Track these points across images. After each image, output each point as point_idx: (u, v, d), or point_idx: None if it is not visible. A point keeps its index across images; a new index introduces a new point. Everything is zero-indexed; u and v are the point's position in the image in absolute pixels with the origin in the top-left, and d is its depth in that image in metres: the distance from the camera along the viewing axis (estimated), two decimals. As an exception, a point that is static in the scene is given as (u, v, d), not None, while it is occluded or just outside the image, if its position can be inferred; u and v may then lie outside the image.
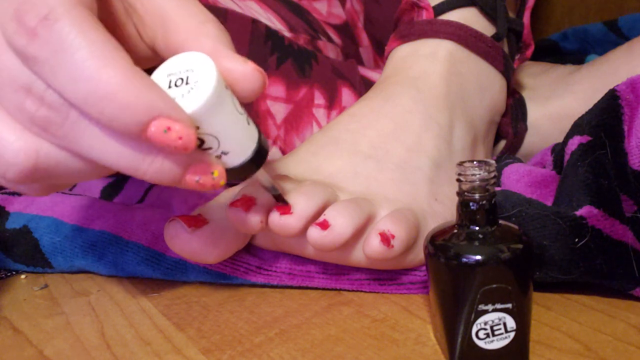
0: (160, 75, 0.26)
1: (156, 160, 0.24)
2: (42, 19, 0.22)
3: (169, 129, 0.23)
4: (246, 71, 0.26)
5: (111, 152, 0.24)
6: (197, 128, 0.25)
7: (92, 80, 0.22)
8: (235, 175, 0.28)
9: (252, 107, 0.45)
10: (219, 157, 0.26)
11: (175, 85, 0.25)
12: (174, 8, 0.27)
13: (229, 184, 0.30)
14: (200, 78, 0.25)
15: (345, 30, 0.58)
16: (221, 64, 0.26)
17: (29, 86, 0.24)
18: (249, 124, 0.27)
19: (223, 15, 0.47)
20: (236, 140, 0.26)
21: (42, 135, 0.24)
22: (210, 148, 0.26)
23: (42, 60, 0.23)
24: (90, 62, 0.22)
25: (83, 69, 0.22)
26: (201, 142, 0.25)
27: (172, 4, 0.27)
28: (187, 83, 0.25)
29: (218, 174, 0.26)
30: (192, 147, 0.24)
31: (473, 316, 0.26)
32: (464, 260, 0.26)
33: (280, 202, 0.32)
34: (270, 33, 0.48)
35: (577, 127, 0.33)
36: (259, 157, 0.28)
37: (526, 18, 0.47)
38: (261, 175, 0.30)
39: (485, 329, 0.26)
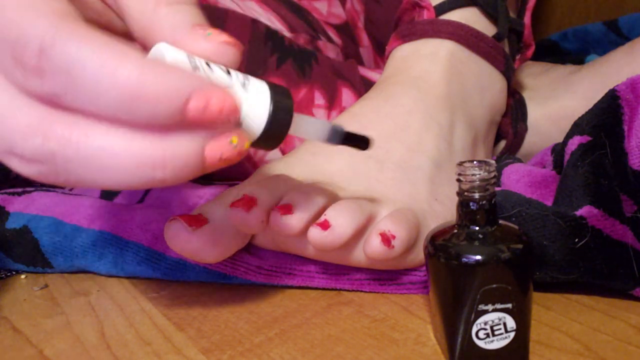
0: None
1: (167, 156, 0.22)
2: (38, 53, 0.21)
3: (207, 103, 0.22)
4: (212, 48, 0.25)
5: (112, 176, 0.23)
6: None
7: (117, 87, 0.21)
8: (270, 138, 0.25)
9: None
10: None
11: None
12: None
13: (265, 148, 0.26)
14: None
15: (346, 30, 0.58)
16: (185, 48, 0.24)
17: (10, 146, 0.23)
18: (245, 86, 0.24)
19: (223, 16, 0.47)
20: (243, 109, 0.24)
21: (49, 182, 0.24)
22: None
23: (62, 91, 0.22)
24: (106, 72, 0.21)
25: (103, 81, 0.21)
26: None
27: None
28: None
29: (237, 140, 0.23)
30: (237, 108, 0.22)
31: (473, 316, 0.26)
32: (464, 260, 0.26)
33: (359, 146, 0.28)
34: (271, 33, 0.48)
35: (577, 127, 0.33)
36: (282, 112, 0.24)
37: (527, 18, 0.47)
38: (300, 126, 0.26)
39: (485, 329, 0.26)
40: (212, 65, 0.24)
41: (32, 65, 0.22)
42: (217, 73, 0.24)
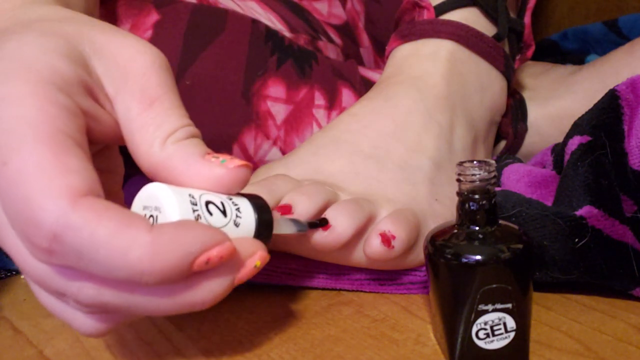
0: (137, 208, 0.26)
1: (206, 299, 0.25)
2: (51, 240, 0.22)
3: (209, 260, 0.24)
4: (228, 174, 0.26)
5: (165, 312, 0.25)
6: None
7: (124, 268, 0.22)
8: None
9: (253, 109, 0.45)
10: None
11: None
12: (137, 119, 0.26)
13: None
14: (165, 218, 0.25)
15: (346, 30, 0.58)
16: (200, 176, 0.26)
17: (63, 294, 0.24)
18: (236, 224, 0.26)
19: (223, 16, 0.47)
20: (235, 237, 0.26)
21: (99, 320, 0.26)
22: None
23: (72, 267, 0.23)
24: (114, 255, 0.22)
25: (111, 264, 0.22)
26: None
27: (135, 114, 0.26)
28: (156, 221, 0.25)
29: (260, 263, 0.26)
30: (231, 251, 0.24)
31: (473, 316, 0.26)
32: (464, 260, 0.26)
33: (322, 223, 0.32)
34: (271, 33, 0.48)
35: (577, 127, 0.33)
36: (263, 233, 0.28)
37: (527, 18, 0.47)
38: (280, 230, 0.30)
39: (485, 329, 0.26)
40: (212, 204, 0.26)
41: (42, 247, 0.22)
42: (216, 216, 0.26)
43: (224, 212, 0.26)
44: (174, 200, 0.25)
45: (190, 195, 0.25)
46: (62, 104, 0.24)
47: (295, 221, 0.31)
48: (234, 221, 0.26)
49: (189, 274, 0.24)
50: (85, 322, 0.25)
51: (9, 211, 0.23)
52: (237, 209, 0.27)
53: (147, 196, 0.25)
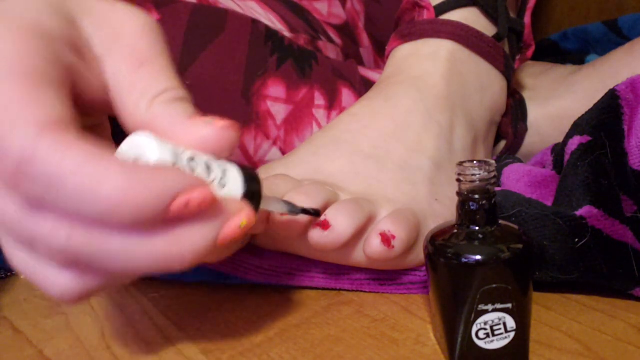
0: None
1: (184, 251, 0.24)
2: (17, 165, 0.21)
3: (188, 202, 0.23)
4: (214, 133, 0.25)
5: (140, 266, 0.23)
6: None
7: (97, 200, 0.21)
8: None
9: (253, 109, 0.45)
10: None
11: None
12: (126, 78, 0.26)
13: None
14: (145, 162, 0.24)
15: (346, 30, 0.58)
16: (187, 136, 0.25)
17: (34, 242, 0.23)
18: (222, 185, 0.26)
19: (223, 15, 0.47)
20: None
21: (72, 268, 0.24)
22: None
23: (42, 199, 0.22)
24: (86, 185, 0.21)
25: (83, 195, 0.21)
26: None
27: (124, 74, 0.26)
28: None
29: (246, 222, 0.25)
30: (212, 198, 0.24)
31: (473, 316, 0.26)
32: (464, 260, 0.26)
33: (315, 213, 0.31)
34: (271, 33, 0.48)
35: (577, 127, 0.33)
36: (251, 201, 0.26)
37: (527, 18, 0.47)
38: (269, 206, 0.29)
39: (485, 329, 0.26)
40: (196, 160, 0.25)
41: (11, 174, 0.22)
42: (198, 172, 0.25)
43: (208, 170, 0.25)
44: (155, 145, 0.24)
45: (173, 147, 0.24)
46: (44, 51, 0.23)
47: (288, 203, 0.30)
48: (220, 181, 0.25)
49: (167, 219, 0.23)
50: (57, 278, 0.24)
51: None
52: (224, 172, 0.26)
53: (129, 146, 0.25)
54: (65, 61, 0.24)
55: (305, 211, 0.31)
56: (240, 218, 0.25)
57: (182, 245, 0.23)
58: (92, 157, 0.22)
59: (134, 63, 0.26)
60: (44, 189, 0.22)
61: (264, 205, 0.28)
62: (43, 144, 0.21)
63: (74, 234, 0.23)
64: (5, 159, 0.22)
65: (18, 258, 0.25)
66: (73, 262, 0.24)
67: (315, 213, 0.31)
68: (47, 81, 0.23)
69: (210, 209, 0.24)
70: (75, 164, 0.21)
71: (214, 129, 0.25)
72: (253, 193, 0.27)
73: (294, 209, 0.30)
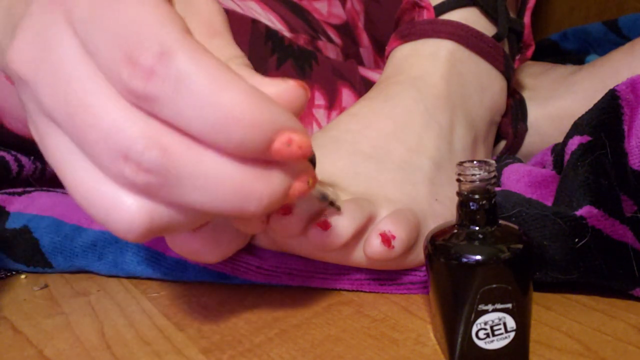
0: None
1: (265, 192, 0.24)
2: (157, 56, 0.22)
3: (290, 141, 0.23)
4: (289, 86, 0.26)
5: (218, 198, 0.23)
6: None
7: (218, 107, 0.22)
8: None
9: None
10: None
11: None
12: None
13: None
14: None
15: (346, 30, 0.58)
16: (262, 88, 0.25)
17: (126, 153, 0.23)
18: None
19: (223, 15, 0.47)
20: None
21: (148, 197, 0.24)
22: None
23: (162, 98, 0.22)
24: (212, 90, 0.22)
25: (207, 98, 0.22)
26: None
27: (199, 40, 0.26)
28: None
29: (312, 180, 0.26)
30: (310, 152, 0.24)
31: (473, 316, 0.26)
32: (464, 260, 0.26)
33: (333, 207, 0.32)
34: (271, 33, 0.48)
35: (577, 127, 0.33)
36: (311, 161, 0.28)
37: (527, 18, 0.47)
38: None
39: (485, 329, 0.26)
40: None
41: (145, 65, 0.22)
42: None
43: None
44: None
45: None
46: None
47: (322, 190, 0.31)
48: None
49: (266, 150, 0.23)
50: (127, 204, 0.24)
51: (110, 39, 0.22)
52: None
53: None
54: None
55: (332, 203, 0.32)
56: (308, 176, 0.26)
57: (264, 185, 0.24)
58: (225, 69, 0.22)
59: (209, 32, 0.28)
60: (171, 87, 0.22)
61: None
62: (185, 45, 0.22)
63: (171, 147, 0.23)
64: (145, 51, 0.22)
65: (85, 180, 0.24)
66: (153, 186, 0.23)
67: (337, 207, 0.32)
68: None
69: (297, 159, 0.24)
70: (210, 70, 0.22)
71: (289, 85, 0.26)
72: (311, 159, 0.28)
73: (325, 198, 0.31)
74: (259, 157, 0.23)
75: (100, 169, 0.24)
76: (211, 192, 0.23)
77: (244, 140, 0.22)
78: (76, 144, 0.24)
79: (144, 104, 0.23)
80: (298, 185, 0.25)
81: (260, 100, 0.23)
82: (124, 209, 0.24)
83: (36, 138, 0.26)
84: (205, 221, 0.27)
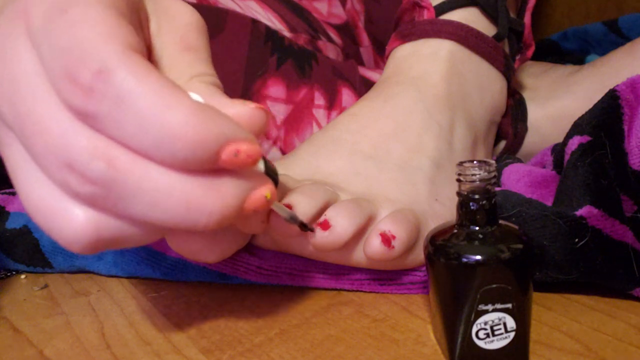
0: None
1: (216, 205, 0.24)
2: (96, 74, 0.22)
3: (238, 151, 0.23)
4: (248, 111, 0.26)
5: (166, 211, 0.23)
6: None
7: (160, 125, 0.22)
8: None
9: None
10: None
11: None
12: (170, 57, 0.28)
13: None
14: None
15: (346, 30, 0.58)
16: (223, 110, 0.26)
17: (72, 163, 0.23)
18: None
19: (223, 15, 0.47)
20: None
21: (95, 208, 0.24)
22: None
23: (103, 116, 0.22)
24: (155, 108, 0.22)
25: (149, 116, 0.22)
26: None
27: (170, 53, 0.28)
28: None
29: (270, 195, 0.26)
30: (259, 158, 0.24)
31: (473, 316, 0.26)
32: (464, 260, 0.26)
33: (304, 229, 0.31)
34: (271, 33, 0.48)
35: (577, 127, 0.33)
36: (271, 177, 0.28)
37: (527, 18, 0.47)
38: (274, 206, 0.30)
39: (485, 329, 0.26)
40: None
41: (83, 84, 0.22)
42: None
43: None
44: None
45: None
46: (122, 7, 0.25)
47: (292, 212, 0.31)
48: None
49: (214, 162, 0.23)
50: (75, 214, 0.24)
51: (55, 54, 0.23)
52: None
53: None
54: (135, 16, 0.26)
55: (304, 226, 0.31)
56: (266, 189, 0.26)
57: (215, 198, 0.24)
58: (168, 86, 0.22)
59: (181, 45, 0.28)
60: (110, 104, 0.22)
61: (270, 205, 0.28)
62: (126, 62, 0.22)
63: (117, 159, 0.23)
64: (83, 68, 0.22)
65: (35, 189, 0.24)
66: (99, 197, 0.23)
67: (310, 229, 0.32)
68: (128, 18, 0.24)
69: (248, 168, 0.24)
70: (151, 87, 0.22)
71: (249, 108, 0.26)
72: (272, 175, 0.28)
73: (294, 220, 0.31)
74: (209, 168, 0.23)
75: (50, 179, 0.24)
76: (158, 206, 0.23)
77: (188, 157, 0.22)
78: (29, 153, 0.24)
79: (86, 120, 0.23)
80: (254, 198, 0.25)
81: (204, 116, 0.22)
82: (71, 219, 0.24)
83: None
84: (162, 235, 0.27)
